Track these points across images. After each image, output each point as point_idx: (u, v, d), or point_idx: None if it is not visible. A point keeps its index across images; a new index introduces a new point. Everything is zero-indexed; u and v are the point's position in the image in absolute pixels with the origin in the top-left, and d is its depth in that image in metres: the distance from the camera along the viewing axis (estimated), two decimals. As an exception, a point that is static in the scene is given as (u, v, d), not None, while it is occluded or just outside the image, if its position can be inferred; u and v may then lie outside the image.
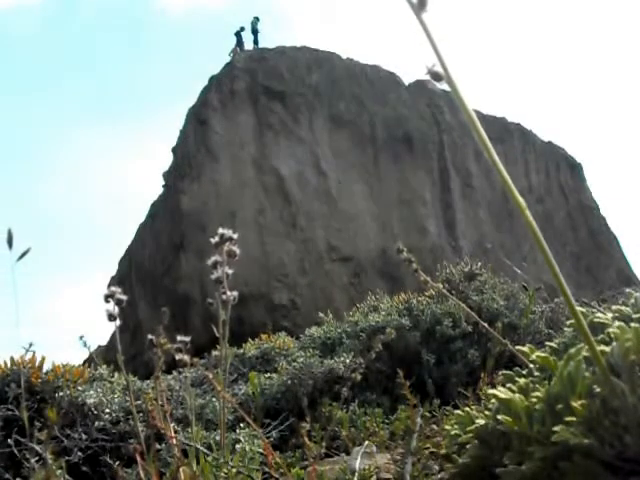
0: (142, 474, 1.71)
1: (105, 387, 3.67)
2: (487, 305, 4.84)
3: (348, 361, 4.06)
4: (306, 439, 1.75)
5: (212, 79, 23.02)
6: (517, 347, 1.90)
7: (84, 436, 3.18)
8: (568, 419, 1.27)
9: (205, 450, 1.98)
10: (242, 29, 24.57)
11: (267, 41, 24.74)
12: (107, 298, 1.70)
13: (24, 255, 1.43)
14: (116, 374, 4.07)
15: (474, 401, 2.97)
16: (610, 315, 1.65)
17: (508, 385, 1.56)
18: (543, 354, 1.57)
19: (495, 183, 23.94)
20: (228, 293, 1.81)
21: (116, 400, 3.49)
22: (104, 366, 4.16)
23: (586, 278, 26.58)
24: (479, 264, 5.51)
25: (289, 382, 3.91)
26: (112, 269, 24.21)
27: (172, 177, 22.28)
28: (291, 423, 3.48)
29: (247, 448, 2.45)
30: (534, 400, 1.39)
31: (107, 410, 3.39)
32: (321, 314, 6.20)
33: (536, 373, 1.62)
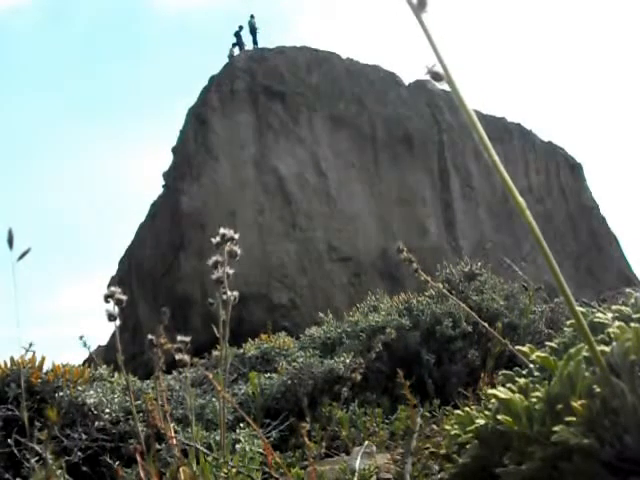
0: (142, 474, 1.71)
1: (105, 387, 3.66)
2: (487, 305, 4.84)
3: (348, 361, 4.06)
4: (306, 439, 1.75)
5: (212, 79, 23.02)
6: (517, 347, 1.90)
7: (84, 436, 3.18)
8: (568, 419, 1.27)
9: (205, 450, 1.98)
10: (241, 28, 24.54)
11: (267, 41, 24.75)
12: (107, 298, 1.70)
13: (24, 255, 1.43)
14: (116, 374, 4.07)
15: (474, 401, 2.97)
16: (610, 315, 1.65)
17: (508, 385, 1.56)
18: (543, 354, 1.57)
19: (495, 183, 23.94)
20: (228, 293, 1.81)
21: (116, 400, 3.49)
22: (104, 366, 4.16)
23: (586, 278, 26.58)
24: (479, 264, 5.50)
25: (289, 382, 3.91)
26: (112, 269, 24.24)
27: (172, 177, 22.28)
28: (291, 423, 3.48)
29: (247, 448, 2.45)
30: (534, 400, 1.39)
31: (107, 410, 3.39)
32: (321, 314, 6.19)
33: (536, 373, 1.62)
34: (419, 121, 24.39)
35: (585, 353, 1.35)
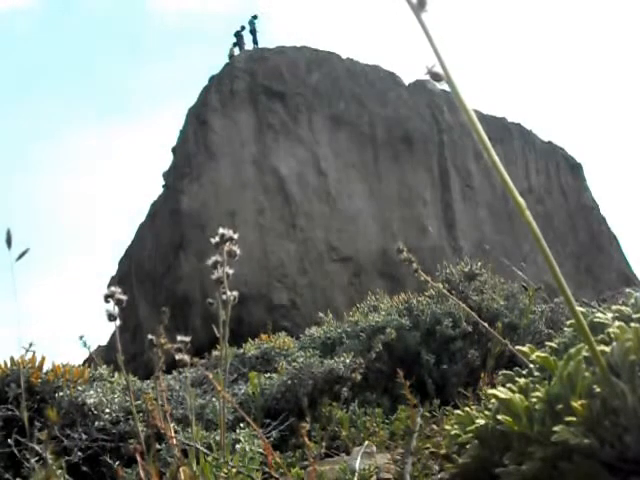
0: (142, 474, 1.71)
1: (105, 387, 3.66)
2: (487, 305, 4.84)
3: (348, 361, 4.05)
4: (306, 439, 1.75)
5: (212, 79, 23.02)
6: (517, 347, 1.90)
7: (84, 436, 3.18)
8: (568, 419, 1.27)
9: (205, 450, 1.98)
10: (242, 28, 24.54)
11: (267, 41, 24.74)
12: (107, 298, 1.70)
13: (23, 255, 1.43)
14: (116, 374, 4.07)
15: (474, 401, 2.97)
16: (610, 315, 1.65)
17: (508, 385, 1.56)
18: (543, 354, 1.57)
19: (495, 183, 23.93)
20: (228, 293, 1.81)
21: (116, 400, 3.49)
22: (104, 366, 4.16)
23: (586, 278, 26.58)
24: (479, 264, 5.50)
25: (289, 382, 3.91)
26: (112, 269, 24.24)
27: (172, 177, 22.28)
28: (291, 423, 3.48)
29: (247, 448, 2.45)
30: (534, 400, 1.39)
31: (107, 410, 3.39)
32: (321, 314, 6.20)
33: (536, 373, 1.62)
34: (419, 121, 24.38)
35: (585, 353, 1.35)
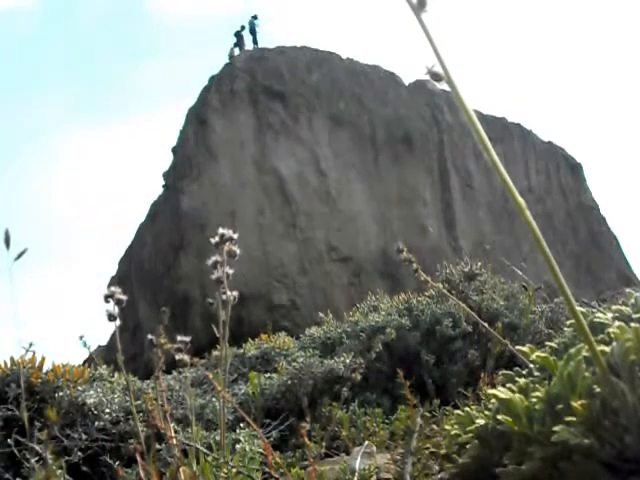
0: (142, 474, 1.71)
1: (105, 387, 3.66)
2: (487, 305, 4.84)
3: (348, 361, 4.06)
4: (306, 439, 1.75)
5: (212, 79, 23.02)
6: (517, 347, 1.90)
7: (84, 436, 3.18)
8: (568, 419, 1.27)
9: (205, 450, 1.98)
10: (243, 28, 24.55)
11: (267, 41, 24.73)
12: (107, 298, 1.70)
13: (21, 255, 1.43)
14: (116, 374, 4.07)
15: (474, 401, 2.97)
16: (610, 315, 1.65)
17: (508, 385, 1.56)
18: (543, 354, 1.57)
19: (495, 183, 23.92)
20: (228, 293, 1.81)
21: (116, 400, 3.49)
22: (104, 366, 4.16)
23: (586, 278, 26.58)
24: (479, 264, 5.50)
25: (289, 382, 3.91)
26: (112, 269, 24.23)
27: (172, 177, 22.28)
28: (291, 423, 3.48)
29: (247, 448, 2.45)
30: (534, 400, 1.39)
31: (107, 410, 3.39)
32: (321, 314, 6.20)
33: (536, 373, 1.62)
34: (419, 121, 24.38)
35: (585, 353, 1.35)
